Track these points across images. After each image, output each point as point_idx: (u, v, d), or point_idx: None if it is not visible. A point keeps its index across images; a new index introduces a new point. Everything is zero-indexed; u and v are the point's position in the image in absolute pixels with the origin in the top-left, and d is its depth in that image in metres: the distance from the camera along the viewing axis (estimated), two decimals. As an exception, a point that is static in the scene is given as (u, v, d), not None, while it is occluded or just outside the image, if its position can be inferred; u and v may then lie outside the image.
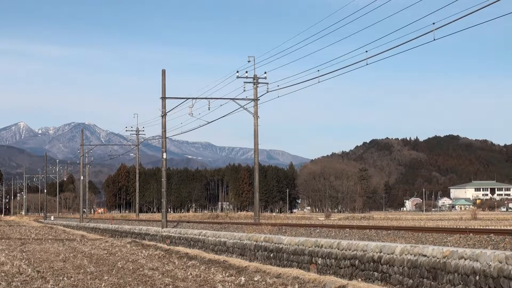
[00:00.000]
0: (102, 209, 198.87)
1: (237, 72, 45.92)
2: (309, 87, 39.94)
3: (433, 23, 25.34)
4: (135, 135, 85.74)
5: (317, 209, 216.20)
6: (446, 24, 24.81)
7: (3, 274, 19.75)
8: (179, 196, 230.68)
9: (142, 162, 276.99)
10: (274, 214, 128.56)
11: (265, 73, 45.79)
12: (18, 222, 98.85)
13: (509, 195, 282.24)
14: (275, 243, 24.06)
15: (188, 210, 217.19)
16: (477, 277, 14.37)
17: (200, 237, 32.60)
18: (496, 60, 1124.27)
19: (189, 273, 19.73)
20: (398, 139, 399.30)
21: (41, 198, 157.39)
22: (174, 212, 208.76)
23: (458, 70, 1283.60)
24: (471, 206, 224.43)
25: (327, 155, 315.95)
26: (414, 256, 16.59)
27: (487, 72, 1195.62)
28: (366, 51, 30.02)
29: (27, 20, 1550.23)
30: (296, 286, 16.67)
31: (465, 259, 14.83)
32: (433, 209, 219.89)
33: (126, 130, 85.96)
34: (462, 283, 14.80)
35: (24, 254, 28.23)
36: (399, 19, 28.91)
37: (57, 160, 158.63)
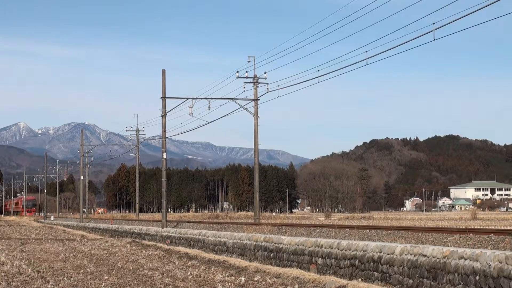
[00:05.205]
0: (102, 209, 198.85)
1: (237, 72, 45.96)
2: (309, 87, 39.95)
3: (433, 23, 25.37)
4: (135, 135, 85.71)
5: (317, 209, 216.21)
6: (446, 24, 24.84)
7: (3, 274, 19.74)
8: (179, 196, 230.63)
9: (142, 162, 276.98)
10: (274, 214, 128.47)
11: (265, 73, 45.83)
12: (18, 222, 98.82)
13: (509, 195, 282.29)
14: (275, 243, 24.05)
15: (188, 210, 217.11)
16: (477, 277, 14.36)
17: (200, 237, 32.59)
18: (496, 60, 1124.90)
19: (189, 273, 19.72)
20: (398, 139, 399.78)
21: (41, 198, 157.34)
22: (174, 212, 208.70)
23: (458, 70, 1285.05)
24: (471, 206, 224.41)
25: (327, 155, 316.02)
26: (414, 256, 16.58)
27: (487, 72, 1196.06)
28: (366, 51, 30.07)
29: (27, 20, 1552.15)
30: (296, 286, 16.66)
31: (465, 259, 14.82)
32: (433, 209, 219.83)
33: (126, 130, 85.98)
34: (462, 283, 14.80)
35: (24, 254, 28.21)
36: (399, 19, 28.96)
37: (57, 160, 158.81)
